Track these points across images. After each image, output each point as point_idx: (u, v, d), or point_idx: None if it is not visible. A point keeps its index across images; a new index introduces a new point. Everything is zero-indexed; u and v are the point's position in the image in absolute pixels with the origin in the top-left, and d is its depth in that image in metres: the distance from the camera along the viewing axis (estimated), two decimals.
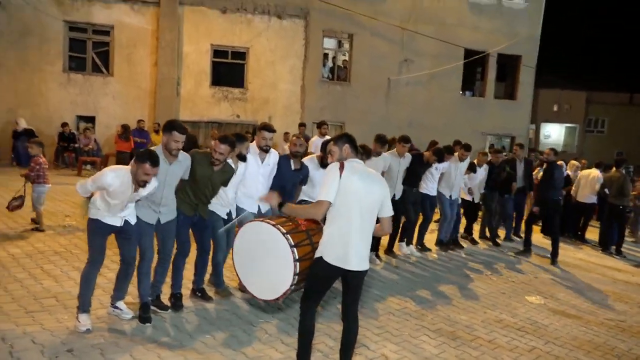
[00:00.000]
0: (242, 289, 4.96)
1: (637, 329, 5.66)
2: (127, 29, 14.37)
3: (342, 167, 3.27)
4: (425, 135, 12.75)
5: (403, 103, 16.75)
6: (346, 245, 3.27)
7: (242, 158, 4.91)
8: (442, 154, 7.37)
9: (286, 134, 13.56)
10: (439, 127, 16.02)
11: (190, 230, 4.84)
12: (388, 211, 3.45)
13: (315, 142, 9.68)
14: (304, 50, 15.78)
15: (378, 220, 3.47)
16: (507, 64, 18.52)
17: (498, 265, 7.67)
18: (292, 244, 3.52)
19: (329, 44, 16.66)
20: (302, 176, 5.54)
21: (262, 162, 5.23)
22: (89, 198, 4.11)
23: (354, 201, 3.26)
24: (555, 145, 29.84)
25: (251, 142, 5.34)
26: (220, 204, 4.96)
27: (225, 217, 5.02)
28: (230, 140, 4.56)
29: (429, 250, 7.90)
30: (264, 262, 3.67)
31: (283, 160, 5.51)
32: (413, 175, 7.41)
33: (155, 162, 3.94)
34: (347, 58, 16.69)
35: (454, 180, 7.94)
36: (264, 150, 5.20)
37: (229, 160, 4.81)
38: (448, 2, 16.73)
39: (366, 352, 4.23)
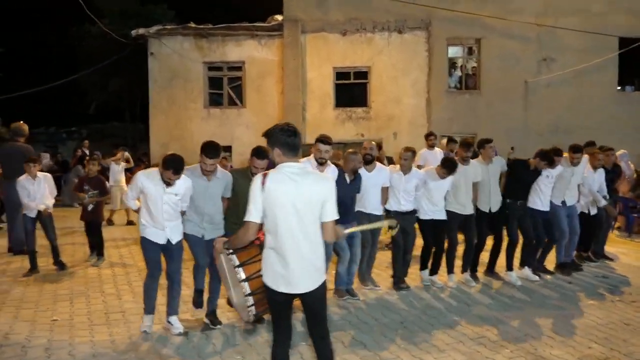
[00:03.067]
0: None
1: None
2: (257, 62, 15.45)
3: (264, 178, 2.87)
4: (575, 140, 11.13)
5: (545, 107, 15.03)
6: (285, 266, 2.87)
7: None
8: (550, 156, 6.33)
9: None
10: (592, 130, 13.86)
11: None
12: (330, 215, 2.93)
13: (423, 154, 9.15)
14: (427, 62, 15.20)
15: None
16: None
17: (636, 290, 6.27)
18: (237, 264, 3.37)
19: (454, 52, 15.82)
20: (357, 186, 5.65)
21: None
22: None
23: (285, 213, 2.84)
24: None
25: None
26: None
27: None
28: (267, 154, 4.56)
29: (552, 273, 6.80)
30: (230, 282, 3.66)
31: (338, 175, 5.40)
32: (517, 185, 6.47)
33: (177, 170, 4.25)
34: (475, 64, 15.64)
35: (569, 185, 6.75)
36: (320, 163, 5.15)
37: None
38: None
39: None
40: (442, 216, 6.12)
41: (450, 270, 6.34)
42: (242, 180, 4.67)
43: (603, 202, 7.19)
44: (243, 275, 3.32)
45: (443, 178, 5.96)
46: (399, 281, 6.08)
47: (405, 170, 5.89)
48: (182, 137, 15.63)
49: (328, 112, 15.54)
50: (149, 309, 4.55)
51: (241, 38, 15.41)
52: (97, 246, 7.09)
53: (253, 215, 2.87)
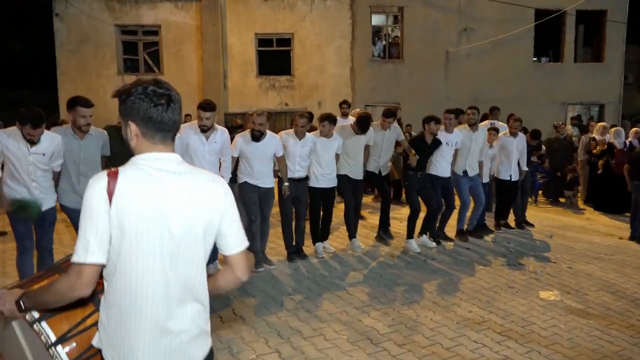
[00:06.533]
0: None
1: None
2: (173, 26, 14.65)
3: (113, 182, 1.61)
4: None
5: (465, 76, 15.26)
6: (136, 337, 1.66)
7: None
8: (434, 116, 6.35)
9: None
10: (510, 100, 14.29)
11: None
12: (238, 241, 1.81)
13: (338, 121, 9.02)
14: (351, 30, 14.98)
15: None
16: (592, 22, 16.14)
17: (528, 254, 6.47)
18: (52, 340, 1.75)
19: (378, 20, 15.69)
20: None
21: (208, 140, 5.00)
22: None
23: (149, 247, 1.64)
24: None
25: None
26: None
27: None
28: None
29: (451, 240, 6.89)
30: None
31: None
32: (418, 159, 6.45)
33: (35, 123, 3.93)
34: (398, 34, 15.59)
35: (469, 153, 6.83)
36: (202, 130, 4.90)
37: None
38: None
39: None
40: (332, 184, 6.07)
41: (352, 235, 6.34)
42: (118, 139, 4.47)
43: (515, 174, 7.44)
44: (64, 357, 1.75)
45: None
46: (291, 252, 5.94)
47: (300, 135, 5.70)
48: (95, 106, 14.67)
49: (251, 80, 15.07)
50: None
51: (156, 0, 14.51)
52: None
53: (92, 251, 1.59)
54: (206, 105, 4.87)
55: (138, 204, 1.62)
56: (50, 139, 4.16)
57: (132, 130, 1.71)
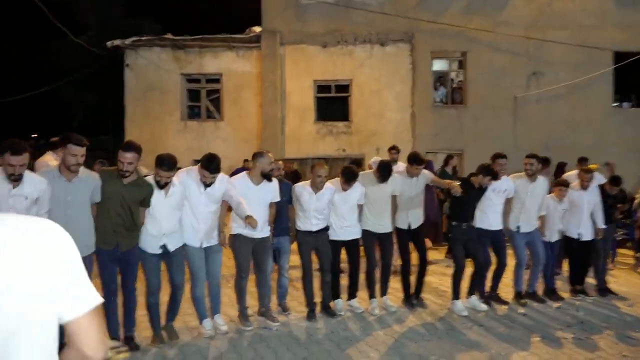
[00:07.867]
0: None
1: None
2: (234, 74, 15.00)
3: None
4: (569, 158, 10.43)
5: (535, 122, 14.24)
6: None
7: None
8: (492, 169, 5.66)
9: None
10: (587, 147, 13.00)
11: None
12: (80, 298, 1.23)
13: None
14: (411, 75, 14.58)
15: None
16: None
17: (601, 326, 5.43)
18: None
19: (440, 65, 15.19)
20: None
21: (205, 189, 4.75)
22: None
23: None
24: None
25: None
26: (152, 234, 4.40)
27: (160, 252, 4.44)
28: (136, 147, 4.12)
29: (506, 303, 6.03)
30: None
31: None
32: (462, 206, 5.76)
33: (15, 150, 3.58)
34: (461, 78, 14.97)
35: (525, 206, 6.02)
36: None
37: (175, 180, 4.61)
38: (584, 1, 14.03)
39: None
40: (354, 235, 5.50)
41: (371, 294, 5.68)
42: (110, 179, 4.25)
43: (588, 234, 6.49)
44: None
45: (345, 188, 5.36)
46: (313, 309, 5.37)
47: (317, 188, 5.24)
48: (156, 151, 14.60)
49: (308, 126, 14.95)
50: None
51: (218, 49, 14.98)
52: None
53: None
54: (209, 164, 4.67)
55: None
56: (37, 181, 3.81)
57: None
